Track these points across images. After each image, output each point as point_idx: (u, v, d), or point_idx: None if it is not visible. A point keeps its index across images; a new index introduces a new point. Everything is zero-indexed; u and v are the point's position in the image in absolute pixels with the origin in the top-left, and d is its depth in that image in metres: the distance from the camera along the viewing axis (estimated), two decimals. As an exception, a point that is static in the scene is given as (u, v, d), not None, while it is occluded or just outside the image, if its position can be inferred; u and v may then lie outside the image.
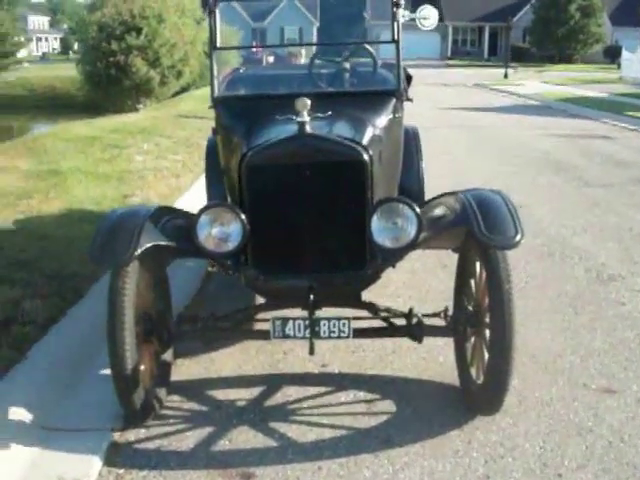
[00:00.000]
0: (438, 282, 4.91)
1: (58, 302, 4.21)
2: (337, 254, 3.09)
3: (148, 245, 2.90)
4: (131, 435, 3.12)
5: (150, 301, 3.24)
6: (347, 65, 4.21)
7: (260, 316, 3.57)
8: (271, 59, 6.24)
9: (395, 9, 3.73)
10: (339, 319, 3.06)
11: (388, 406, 3.34)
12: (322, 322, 3.08)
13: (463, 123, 14.76)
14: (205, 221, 2.98)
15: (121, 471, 2.88)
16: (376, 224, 2.95)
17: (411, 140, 5.12)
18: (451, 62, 49.58)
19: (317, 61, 4.28)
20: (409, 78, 5.06)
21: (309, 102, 2.94)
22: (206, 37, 4.39)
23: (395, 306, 3.54)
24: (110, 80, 18.15)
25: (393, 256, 3.08)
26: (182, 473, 2.85)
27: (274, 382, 3.58)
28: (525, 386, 3.45)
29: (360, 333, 3.20)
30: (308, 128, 2.96)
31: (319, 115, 3.26)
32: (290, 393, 3.48)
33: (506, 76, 31.23)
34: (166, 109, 17.23)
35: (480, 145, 11.82)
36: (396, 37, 3.76)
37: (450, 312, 3.32)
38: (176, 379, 3.60)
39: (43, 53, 70.00)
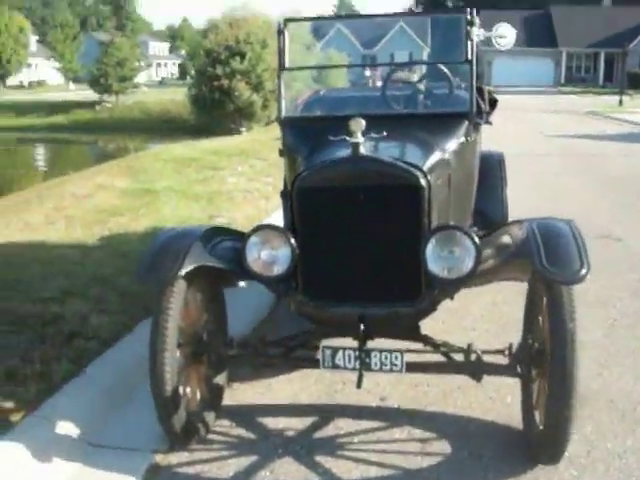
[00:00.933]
0: (520, 316, 4.59)
1: (125, 319, 4.25)
2: (390, 283, 2.92)
3: (194, 266, 2.86)
4: (174, 458, 3.06)
5: (201, 322, 3.20)
6: (422, 86, 4.06)
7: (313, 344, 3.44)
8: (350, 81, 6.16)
9: (469, 27, 3.54)
10: (391, 351, 2.89)
11: (443, 447, 3.11)
12: (373, 354, 2.92)
13: (569, 151, 14.12)
14: (254, 243, 2.90)
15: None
16: (431, 252, 2.77)
17: (495, 166, 4.91)
18: (564, 89, 47.89)
19: (392, 83, 4.15)
20: (494, 102, 4.84)
21: (364, 123, 2.81)
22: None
23: (469, 339, 3.29)
24: (214, 103, 18.77)
25: (449, 287, 2.88)
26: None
27: (328, 413, 3.43)
28: (597, 435, 3.12)
29: (414, 367, 3.01)
30: (362, 149, 2.82)
31: (379, 136, 3.13)
32: (342, 426, 3.31)
33: (621, 103, 29.76)
34: (267, 132, 17.56)
35: (585, 173, 11.21)
36: (469, 57, 3.57)
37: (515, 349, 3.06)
38: (230, 403, 3.52)
39: (162, 78, 73.78)
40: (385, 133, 3.47)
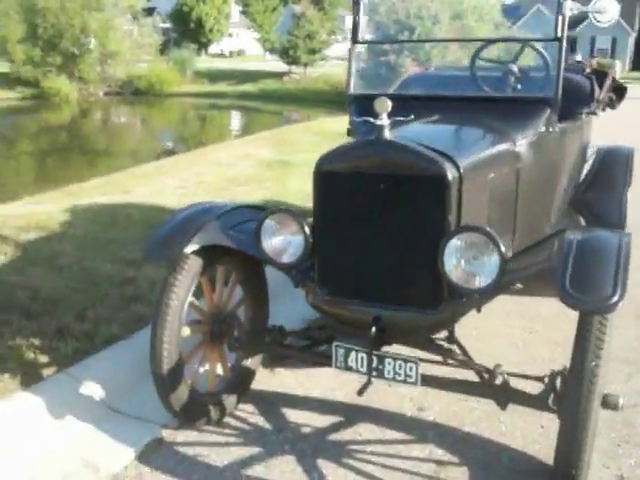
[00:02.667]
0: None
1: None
2: (408, 286, 2.61)
3: (202, 244, 2.77)
4: (180, 436, 3.03)
5: (227, 303, 3.11)
6: (510, 68, 3.60)
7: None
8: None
9: (561, 0, 3.04)
10: (406, 361, 2.59)
11: (459, 474, 2.77)
12: (387, 360, 2.64)
13: None
14: (268, 226, 2.73)
15: (146, 469, 2.80)
16: (448, 255, 2.43)
17: (620, 163, 4.30)
18: None
19: (480, 63, 3.72)
20: (621, 90, 4.22)
21: (389, 103, 2.51)
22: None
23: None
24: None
25: (468, 299, 2.51)
26: (196, 490, 2.67)
27: (356, 415, 3.21)
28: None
29: (431, 382, 2.69)
30: (386, 133, 2.53)
31: (430, 120, 2.80)
32: (362, 431, 3.08)
33: None
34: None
35: None
36: (559, 33, 3.08)
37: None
38: (262, 388, 3.43)
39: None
40: (436, 117, 3.14)
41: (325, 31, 38.53)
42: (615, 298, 2.12)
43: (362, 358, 2.68)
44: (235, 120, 29.06)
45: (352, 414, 3.22)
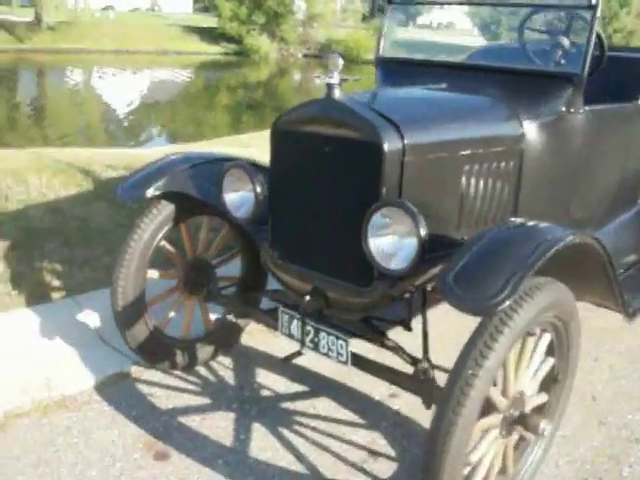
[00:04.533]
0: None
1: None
2: (345, 258, 2.44)
3: (166, 190, 2.82)
4: (147, 375, 3.15)
5: (209, 254, 3.13)
6: (564, 40, 3.16)
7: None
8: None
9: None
10: (338, 337, 2.45)
11: (385, 468, 2.60)
12: (322, 334, 2.52)
13: None
14: (228, 180, 2.70)
15: (96, 397, 2.95)
16: (370, 230, 2.24)
17: None
18: None
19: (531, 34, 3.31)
20: None
21: (341, 61, 2.34)
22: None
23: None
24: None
25: (390, 280, 2.29)
26: (124, 424, 2.78)
27: (323, 389, 3.12)
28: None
29: (361, 364, 2.52)
30: (336, 92, 2.36)
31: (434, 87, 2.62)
32: (318, 405, 3.00)
33: None
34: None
35: None
36: (594, 0, 2.66)
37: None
38: (253, 346, 3.44)
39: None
40: (444, 85, 2.87)
41: None
42: (496, 300, 1.82)
43: (300, 327, 2.58)
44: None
45: (320, 387, 3.13)
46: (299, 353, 2.63)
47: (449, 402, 1.87)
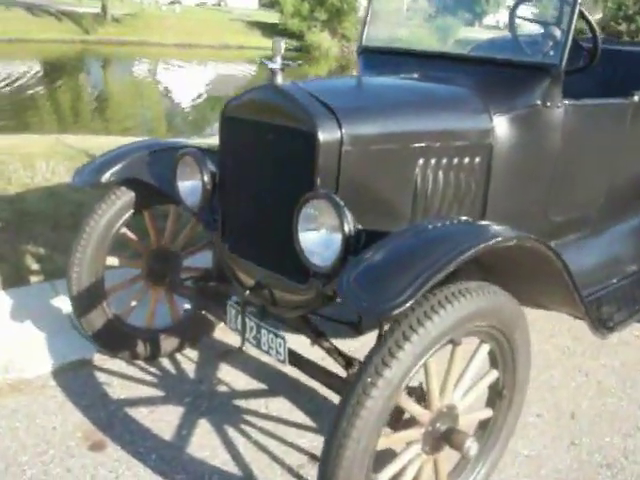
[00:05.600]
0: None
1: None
2: (285, 254, 2.32)
3: (122, 176, 2.77)
4: (109, 364, 3.11)
5: (169, 242, 3.06)
6: (555, 32, 2.94)
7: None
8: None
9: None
10: (276, 335, 2.34)
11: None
12: (263, 331, 2.42)
13: None
14: (181, 169, 2.62)
15: (52, 382, 2.93)
16: (300, 224, 2.12)
17: None
18: None
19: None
20: None
21: (283, 45, 2.24)
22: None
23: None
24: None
25: (322, 277, 2.16)
26: (70, 411, 2.74)
27: (281, 388, 3.01)
28: None
29: (298, 363, 2.39)
30: (279, 78, 2.26)
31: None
32: (270, 405, 2.90)
33: None
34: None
35: None
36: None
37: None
38: (221, 340, 3.36)
39: None
40: (416, 75, 2.72)
41: None
42: (393, 303, 1.67)
43: (241, 322, 2.48)
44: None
45: (282, 386, 3.03)
46: (240, 347, 2.53)
47: (344, 412, 1.73)
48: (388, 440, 1.92)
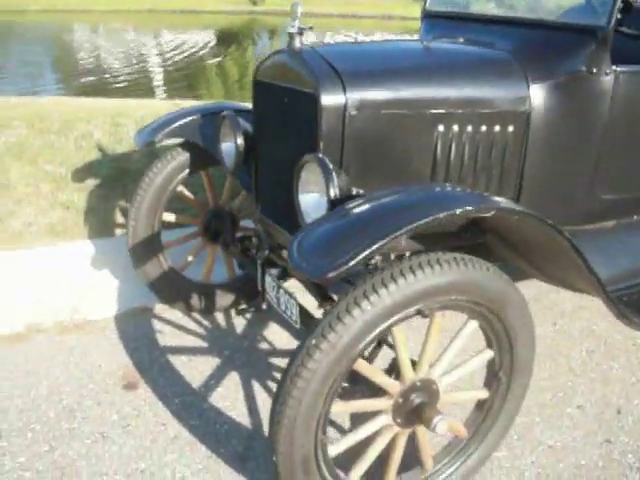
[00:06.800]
0: None
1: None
2: (294, 216, 2.34)
3: (173, 136, 2.92)
4: (168, 313, 3.32)
5: (225, 202, 3.19)
6: None
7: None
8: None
9: None
10: (290, 296, 2.41)
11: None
12: (281, 291, 2.49)
13: None
14: (222, 132, 2.73)
15: (112, 324, 3.21)
16: (300, 186, 2.15)
17: None
18: None
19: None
20: None
21: (299, 8, 2.24)
22: None
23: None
24: None
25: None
26: (119, 352, 2.98)
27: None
28: None
29: (308, 324, 2.42)
30: (296, 42, 2.27)
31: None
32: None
33: None
34: None
35: None
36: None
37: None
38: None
39: None
40: (461, 40, 2.61)
41: None
42: (330, 266, 1.64)
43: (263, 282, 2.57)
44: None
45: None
46: (260, 307, 2.61)
47: (288, 371, 1.75)
48: (347, 406, 1.91)
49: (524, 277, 2.53)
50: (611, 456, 2.46)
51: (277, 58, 2.38)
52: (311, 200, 2.12)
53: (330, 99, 2.12)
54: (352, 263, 1.65)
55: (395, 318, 1.78)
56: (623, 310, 2.25)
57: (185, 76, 15.62)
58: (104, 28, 25.60)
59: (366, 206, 1.83)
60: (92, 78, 14.21)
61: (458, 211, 1.74)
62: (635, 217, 2.73)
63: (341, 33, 25.98)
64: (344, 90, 2.13)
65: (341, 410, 1.93)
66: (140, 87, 13.22)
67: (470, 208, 1.76)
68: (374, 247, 1.66)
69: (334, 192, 2.00)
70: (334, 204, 2.00)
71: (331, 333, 1.72)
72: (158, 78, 14.94)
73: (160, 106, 6.30)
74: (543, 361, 3.01)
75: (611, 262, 2.54)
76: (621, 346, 3.16)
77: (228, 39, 22.90)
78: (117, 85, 13.30)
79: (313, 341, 1.73)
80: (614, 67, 2.37)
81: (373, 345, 2.24)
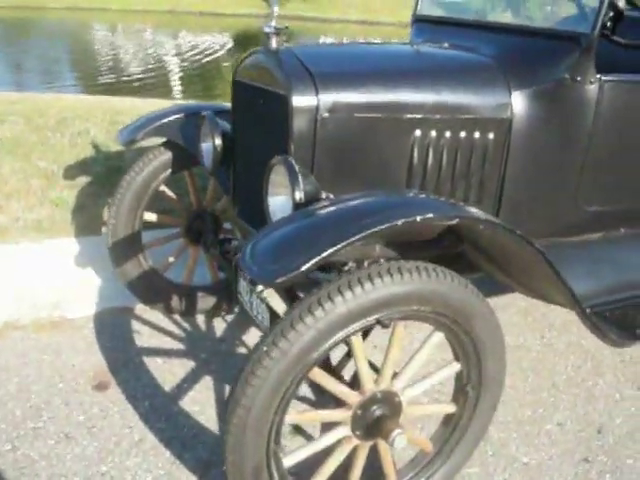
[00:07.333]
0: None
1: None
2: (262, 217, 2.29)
3: (154, 136, 2.89)
4: (149, 314, 3.27)
5: (209, 203, 3.15)
6: None
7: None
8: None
9: None
10: (262, 300, 2.35)
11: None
12: (254, 295, 2.43)
13: None
14: (202, 130, 2.69)
15: (90, 324, 3.16)
16: (270, 188, 2.10)
17: None
18: None
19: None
20: None
21: (276, 8, 2.20)
22: None
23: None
24: None
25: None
26: (94, 352, 2.94)
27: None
28: None
29: None
30: (273, 42, 2.22)
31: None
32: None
33: None
34: None
35: None
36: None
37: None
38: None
39: None
40: (446, 45, 2.55)
41: None
42: (279, 272, 1.58)
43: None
44: None
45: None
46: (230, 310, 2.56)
47: (239, 378, 1.70)
48: (301, 416, 1.85)
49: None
50: (588, 476, 2.38)
51: (253, 58, 2.34)
52: (278, 202, 2.07)
53: (301, 100, 2.07)
54: (304, 268, 1.59)
55: (352, 327, 1.72)
56: (597, 323, 2.18)
57: (201, 77, 15.70)
58: (123, 27, 25.81)
59: (326, 210, 1.78)
60: (112, 76, 14.33)
61: (419, 218, 1.68)
62: (622, 230, 2.65)
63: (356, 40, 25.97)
64: (316, 92, 2.08)
65: (296, 420, 1.87)
66: (157, 87, 13.30)
67: (431, 216, 1.70)
68: (328, 252, 1.60)
69: (299, 195, 1.95)
70: (299, 207, 1.95)
71: (282, 340, 1.66)
72: (174, 78, 15.03)
73: (165, 106, 6.31)
74: (526, 375, 2.93)
75: (594, 275, 2.47)
76: (609, 362, 3.07)
77: (245, 42, 22.96)
78: (135, 84, 13.39)
79: (264, 348, 1.68)
80: (599, 76, 2.30)
81: (342, 355, 2.20)
